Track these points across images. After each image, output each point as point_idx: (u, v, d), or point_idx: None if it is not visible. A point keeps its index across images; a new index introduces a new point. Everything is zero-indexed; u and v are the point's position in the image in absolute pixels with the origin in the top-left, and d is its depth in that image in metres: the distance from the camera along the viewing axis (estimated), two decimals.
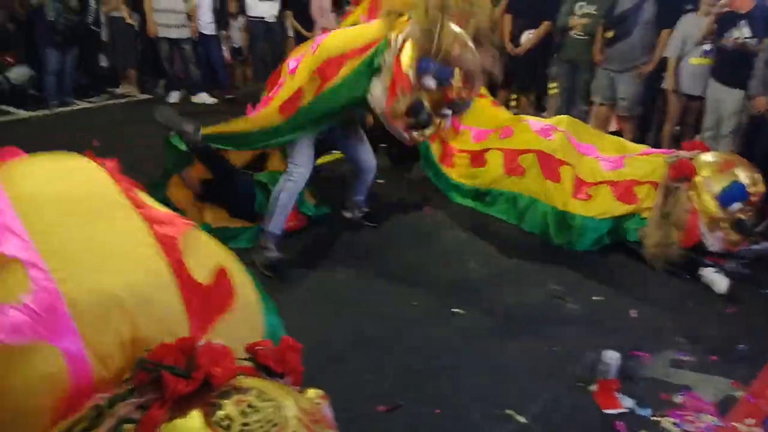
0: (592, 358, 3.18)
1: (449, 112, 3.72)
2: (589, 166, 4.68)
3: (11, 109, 7.28)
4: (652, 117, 6.66)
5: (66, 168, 2.08)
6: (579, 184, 4.59)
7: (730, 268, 4.16)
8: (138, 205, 1.88)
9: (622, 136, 5.86)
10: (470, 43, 3.61)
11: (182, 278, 1.69)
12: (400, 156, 5.88)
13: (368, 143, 4.49)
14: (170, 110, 4.20)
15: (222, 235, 4.16)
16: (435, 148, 5.33)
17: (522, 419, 2.78)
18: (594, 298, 3.85)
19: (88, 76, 8.19)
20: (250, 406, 1.35)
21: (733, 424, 2.82)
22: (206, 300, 1.70)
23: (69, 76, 7.57)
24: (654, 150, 4.97)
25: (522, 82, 7.07)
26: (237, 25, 8.40)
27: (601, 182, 4.54)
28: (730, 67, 5.39)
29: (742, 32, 5.25)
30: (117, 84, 8.48)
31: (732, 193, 4.09)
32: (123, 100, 8.06)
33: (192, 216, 4.39)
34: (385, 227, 4.70)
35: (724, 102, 5.49)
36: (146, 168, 4.35)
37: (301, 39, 7.10)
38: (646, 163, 4.56)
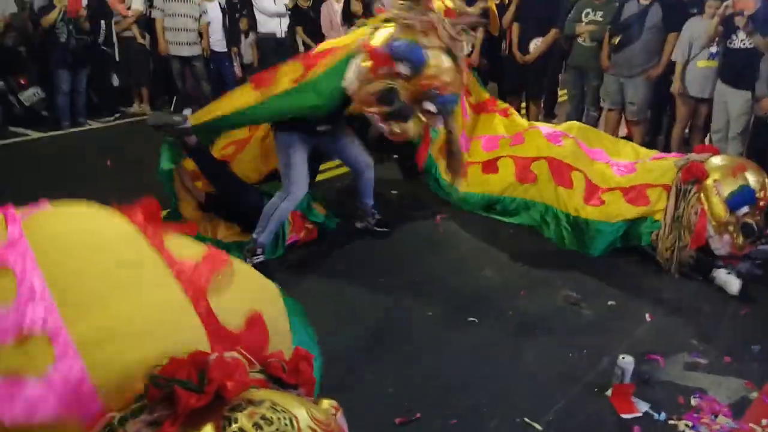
0: (607, 362, 3.23)
1: (433, 107, 3.74)
2: (601, 172, 4.72)
3: (24, 130, 7.35)
4: (662, 120, 6.67)
5: (94, 224, 2.01)
6: (592, 189, 4.62)
7: (743, 270, 4.18)
8: (168, 259, 1.84)
9: (631, 140, 5.88)
10: (445, 30, 3.66)
11: (213, 333, 1.67)
12: (412, 168, 5.93)
13: (359, 142, 4.53)
14: (160, 113, 4.29)
15: (236, 249, 4.28)
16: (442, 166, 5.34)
17: (538, 426, 2.82)
18: (608, 302, 3.89)
19: (100, 96, 8.24)
20: (263, 418, 1.35)
21: (749, 425, 2.85)
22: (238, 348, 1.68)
23: (81, 96, 7.65)
24: (665, 154, 5.00)
25: (531, 89, 7.09)
26: (248, 41, 8.48)
27: (614, 188, 4.57)
28: (737, 69, 5.42)
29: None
30: (130, 103, 8.53)
31: (741, 197, 4.11)
32: (135, 119, 8.13)
33: (204, 231, 4.50)
34: (398, 237, 4.76)
35: (732, 104, 5.51)
36: (160, 187, 4.44)
37: None
38: (658, 167, 4.59)
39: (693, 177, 4.24)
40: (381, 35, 3.74)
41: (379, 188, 5.54)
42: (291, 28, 8.42)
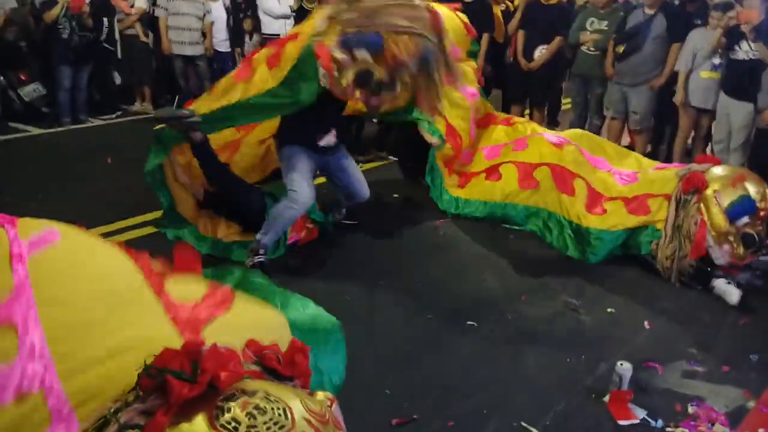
0: (605, 369, 3.23)
1: (413, 69, 3.71)
2: (603, 180, 4.74)
3: (24, 126, 7.33)
4: (664, 130, 6.69)
5: (102, 269, 1.98)
6: (595, 197, 4.63)
7: (743, 280, 4.19)
8: (166, 304, 1.88)
9: (633, 149, 5.89)
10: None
11: None
12: (413, 169, 5.95)
13: (362, 176, 4.53)
14: (166, 107, 4.28)
15: (236, 248, 4.28)
16: (448, 179, 5.34)
17: (535, 431, 2.82)
18: (608, 309, 3.89)
19: (101, 94, 8.23)
20: (256, 407, 1.34)
21: None
22: None
23: (82, 93, 7.64)
24: (667, 165, 5.02)
25: (535, 97, 7.11)
26: (252, 42, 8.48)
27: (616, 197, 4.59)
28: (739, 80, 5.44)
29: (751, 46, 5.30)
30: (131, 101, 8.52)
31: (741, 207, 4.12)
32: (136, 118, 8.12)
33: (204, 229, 4.49)
34: (399, 240, 4.77)
35: (734, 115, 5.54)
36: None
37: None
38: (659, 177, 4.60)
39: (693, 187, 4.25)
40: (329, 35, 3.73)
41: (379, 191, 5.58)
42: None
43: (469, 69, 5.58)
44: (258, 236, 4.13)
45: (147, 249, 4.31)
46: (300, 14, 8.36)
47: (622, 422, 2.88)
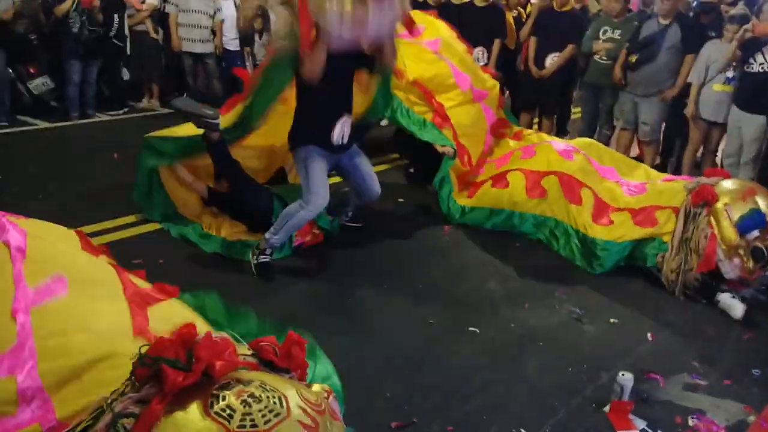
0: (606, 379, 3.20)
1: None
2: (610, 190, 4.71)
3: (32, 119, 7.35)
4: (674, 143, 6.65)
5: (100, 324, 2.09)
6: (602, 207, 4.60)
7: (748, 294, 4.14)
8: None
9: (642, 161, 5.86)
10: None
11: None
12: (418, 173, 5.95)
13: (374, 173, 4.44)
14: (188, 99, 4.28)
15: (240, 248, 4.27)
16: (458, 193, 5.32)
17: None
18: (611, 320, 3.86)
19: (110, 89, 8.23)
20: (252, 396, 1.34)
21: None
22: None
23: (91, 88, 7.65)
24: (676, 177, 4.98)
25: (545, 105, 7.07)
26: (261, 41, 8.49)
27: (623, 208, 4.56)
28: (753, 93, 5.39)
29: (766, 59, 5.26)
30: (139, 98, 8.52)
31: (751, 221, 4.08)
32: (144, 114, 8.13)
33: (208, 227, 4.48)
34: (403, 244, 4.75)
35: (745, 128, 5.49)
36: None
37: None
38: (668, 189, 4.57)
39: (703, 200, 4.22)
40: None
41: (384, 194, 5.55)
42: None
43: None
44: (267, 235, 4.08)
45: (151, 245, 4.35)
46: None
47: None
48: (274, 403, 1.34)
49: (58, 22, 7.18)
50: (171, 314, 2.10)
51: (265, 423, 1.31)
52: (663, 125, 6.46)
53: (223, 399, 1.33)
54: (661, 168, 6.03)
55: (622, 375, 3.03)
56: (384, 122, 5.26)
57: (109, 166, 5.89)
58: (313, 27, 3.58)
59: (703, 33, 5.96)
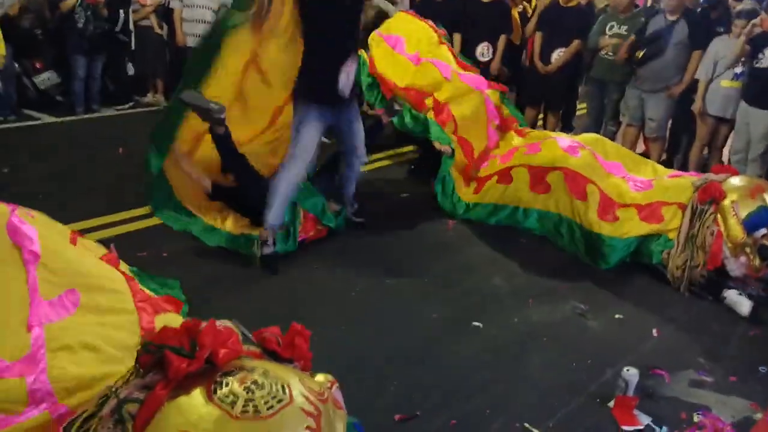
0: (611, 374, 3.18)
1: None
2: (616, 186, 4.68)
3: (37, 114, 7.33)
4: (681, 139, 6.61)
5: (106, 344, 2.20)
6: (607, 203, 4.57)
7: (754, 292, 4.11)
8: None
9: (648, 157, 5.83)
10: None
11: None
12: (419, 169, 5.94)
13: (364, 138, 4.54)
14: (197, 93, 4.30)
15: (245, 242, 4.26)
16: (464, 189, 5.32)
17: None
18: (616, 315, 3.84)
19: (115, 84, 8.20)
20: (255, 383, 1.35)
21: None
22: None
23: (96, 83, 7.63)
24: (683, 173, 4.95)
25: (551, 100, 7.04)
26: None
27: (629, 204, 4.53)
28: (762, 89, 5.35)
29: None
30: (144, 93, 8.48)
31: (758, 219, 4.06)
32: (148, 109, 8.13)
33: (213, 221, 4.48)
34: (408, 239, 4.73)
35: (754, 124, 5.46)
36: None
37: None
38: (674, 185, 4.55)
39: (710, 197, 4.19)
40: None
41: (389, 190, 5.56)
42: None
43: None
44: (264, 216, 4.14)
45: (156, 238, 4.35)
46: None
47: (626, 428, 2.84)
48: (277, 390, 1.34)
49: (63, 17, 7.18)
50: (178, 323, 2.17)
51: (268, 409, 1.31)
52: (669, 122, 6.43)
53: (227, 385, 1.34)
54: (667, 165, 5.99)
55: (627, 370, 3.01)
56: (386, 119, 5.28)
57: (114, 159, 5.89)
58: None
59: (711, 29, 5.93)
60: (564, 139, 5.15)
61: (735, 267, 4.12)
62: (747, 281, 4.15)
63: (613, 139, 6.43)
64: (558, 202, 4.79)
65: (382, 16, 6.15)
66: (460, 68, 5.61)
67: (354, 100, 4.43)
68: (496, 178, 5.15)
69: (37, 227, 2.36)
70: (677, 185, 4.52)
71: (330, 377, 1.54)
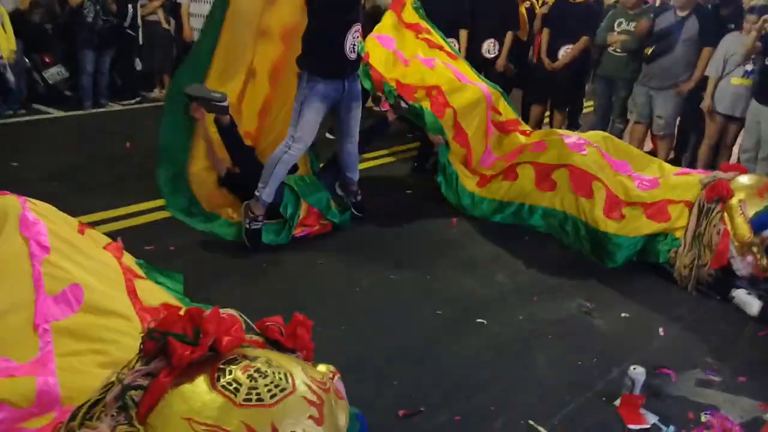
0: (617, 373, 3.16)
1: None
2: (623, 184, 4.65)
3: (46, 108, 7.39)
4: (689, 137, 6.57)
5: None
6: (613, 202, 4.54)
7: (764, 291, 4.07)
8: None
9: (656, 155, 5.79)
10: None
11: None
12: (420, 166, 5.94)
13: (359, 117, 4.58)
14: (200, 85, 4.31)
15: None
16: (467, 177, 5.32)
17: (544, 430, 2.76)
18: (622, 314, 3.81)
19: (123, 79, 8.26)
20: (258, 371, 1.35)
21: None
22: None
23: (104, 77, 7.69)
24: (690, 170, 4.91)
25: (557, 97, 6.99)
26: None
27: (636, 203, 4.50)
28: None
29: None
30: (151, 88, 8.52)
31: (766, 218, 4.02)
32: (155, 104, 8.15)
33: (226, 215, 4.48)
34: (411, 235, 4.71)
35: (765, 123, 5.40)
36: None
37: None
38: (681, 183, 4.51)
39: (718, 195, 4.16)
40: None
41: (393, 186, 5.55)
42: None
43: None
44: (257, 192, 4.17)
45: (162, 232, 4.36)
46: None
47: (632, 427, 2.81)
48: (280, 378, 1.35)
49: (72, 12, 7.24)
50: None
51: (271, 397, 1.31)
52: (678, 119, 6.39)
53: (230, 373, 1.35)
54: (675, 163, 5.96)
55: (634, 369, 2.98)
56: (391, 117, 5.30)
57: (121, 154, 5.93)
58: None
59: (722, 25, 5.87)
60: (570, 137, 5.12)
61: (741, 266, 4.08)
62: (753, 281, 4.11)
63: (620, 136, 6.38)
64: (563, 200, 4.76)
65: (376, 11, 6.19)
66: (451, 61, 5.67)
67: (357, 79, 4.45)
68: (502, 176, 5.15)
69: (46, 220, 2.36)
70: (684, 183, 4.49)
71: (332, 368, 1.54)
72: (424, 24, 5.87)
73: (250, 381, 1.33)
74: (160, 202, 4.67)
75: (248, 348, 1.45)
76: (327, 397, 1.40)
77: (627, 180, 4.72)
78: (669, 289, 4.17)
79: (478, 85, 5.51)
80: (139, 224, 4.47)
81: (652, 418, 2.86)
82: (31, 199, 2.52)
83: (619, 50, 6.29)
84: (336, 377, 1.52)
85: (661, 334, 3.63)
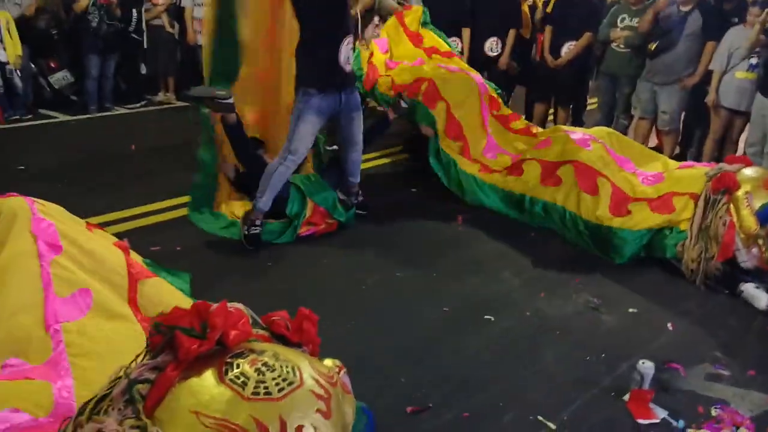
0: (625, 368, 3.14)
1: None
2: (628, 180, 4.64)
3: (53, 113, 7.45)
4: (694, 132, 6.55)
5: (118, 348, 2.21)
6: (620, 198, 4.52)
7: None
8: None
9: (661, 151, 5.77)
10: None
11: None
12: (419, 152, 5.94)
13: (362, 124, 4.59)
14: (201, 86, 4.33)
15: (266, 233, 4.28)
16: (469, 165, 5.32)
17: (552, 425, 2.75)
18: (630, 309, 3.79)
19: (127, 83, 8.31)
20: (265, 365, 1.35)
21: None
22: None
23: (109, 82, 7.73)
24: (694, 163, 4.89)
25: (561, 95, 6.97)
26: None
27: (641, 198, 4.48)
28: None
29: None
30: (156, 91, 8.57)
31: None
32: (160, 108, 8.19)
33: (231, 216, 4.49)
34: (417, 233, 4.71)
35: None
36: (178, 171, 4.45)
37: None
38: (686, 175, 4.49)
39: (724, 187, 4.13)
40: None
41: (397, 184, 5.55)
42: None
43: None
44: (255, 201, 4.23)
45: (169, 233, 4.38)
46: None
47: (641, 421, 2.79)
48: (288, 372, 1.35)
49: (77, 17, 7.31)
50: None
51: (279, 391, 1.31)
52: (683, 114, 6.37)
53: (237, 367, 1.35)
54: (680, 158, 5.94)
55: (643, 363, 2.96)
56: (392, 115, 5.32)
57: (127, 156, 5.97)
58: None
59: (725, 19, 5.85)
60: (576, 133, 5.11)
61: (746, 258, 4.06)
62: (759, 273, 4.09)
63: (625, 132, 6.37)
64: (565, 196, 4.74)
65: (371, 10, 6.21)
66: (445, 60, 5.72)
67: (355, 90, 4.45)
68: (506, 172, 5.15)
69: (55, 220, 2.37)
70: (689, 176, 4.47)
71: (338, 362, 1.54)
72: (428, 39, 5.90)
73: (258, 375, 1.33)
74: (165, 204, 4.70)
75: (255, 342, 1.45)
76: (334, 391, 1.40)
77: (631, 176, 4.71)
78: (676, 284, 4.14)
79: (470, 74, 5.53)
80: (146, 225, 4.50)
81: (661, 413, 2.85)
82: (38, 200, 2.53)
83: (622, 46, 6.28)
84: (342, 371, 1.52)
85: (670, 328, 3.61)
